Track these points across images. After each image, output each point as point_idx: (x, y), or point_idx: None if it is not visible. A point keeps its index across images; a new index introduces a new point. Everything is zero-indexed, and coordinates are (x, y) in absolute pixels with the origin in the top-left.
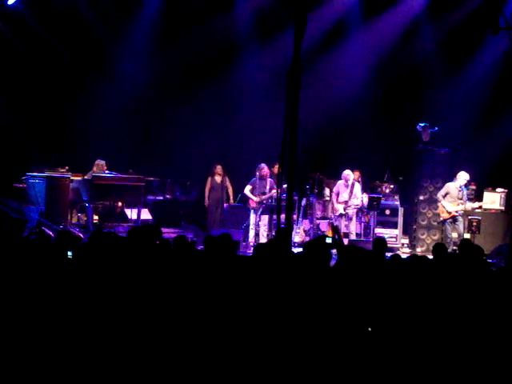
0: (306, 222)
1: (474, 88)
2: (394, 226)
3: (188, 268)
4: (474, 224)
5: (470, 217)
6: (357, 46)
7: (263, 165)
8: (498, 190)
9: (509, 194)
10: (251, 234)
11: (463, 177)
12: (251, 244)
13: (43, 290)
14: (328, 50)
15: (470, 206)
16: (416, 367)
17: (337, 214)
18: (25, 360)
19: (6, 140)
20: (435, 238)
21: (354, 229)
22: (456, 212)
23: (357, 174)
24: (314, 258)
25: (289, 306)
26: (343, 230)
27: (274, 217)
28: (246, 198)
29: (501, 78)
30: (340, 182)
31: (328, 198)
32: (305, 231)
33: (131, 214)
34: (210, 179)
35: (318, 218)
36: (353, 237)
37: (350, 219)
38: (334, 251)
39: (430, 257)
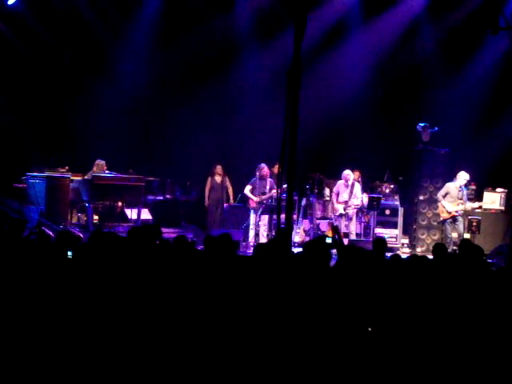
0: (306, 221)
1: (473, 88)
2: (394, 226)
3: (188, 268)
4: (474, 224)
5: (469, 217)
6: (357, 46)
7: (263, 165)
8: (498, 189)
9: (509, 194)
10: (251, 234)
11: (463, 177)
12: (251, 244)
13: (43, 290)
14: (328, 50)
15: (469, 206)
16: (416, 367)
17: (337, 214)
18: (25, 359)
19: (6, 140)
20: (435, 237)
21: (354, 229)
22: (456, 212)
23: (357, 173)
24: (314, 258)
25: (289, 306)
26: (343, 229)
27: (274, 217)
28: (245, 198)
29: (501, 77)
30: (340, 182)
31: (328, 198)
32: (305, 231)
33: (131, 213)
34: (210, 179)
35: (318, 218)
36: (353, 237)
37: (350, 219)
38: (334, 251)
39: (430, 257)
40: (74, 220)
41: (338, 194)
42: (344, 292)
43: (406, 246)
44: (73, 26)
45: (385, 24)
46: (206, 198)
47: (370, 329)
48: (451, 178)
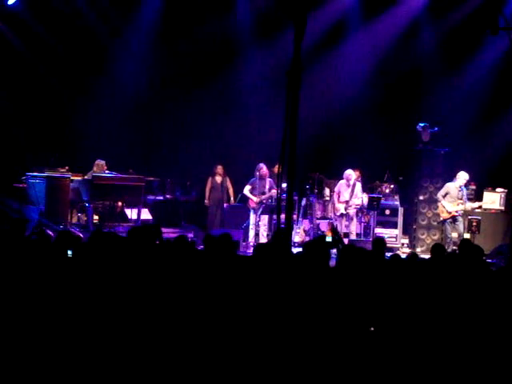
0: (306, 221)
1: (473, 88)
2: (394, 225)
3: (188, 268)
4: (474, 224)
5: (469, 217)
6: (357, 46)
7: (262, 165)
8: (498, 189)
9: (509, 194)
10: (251, 234)
11: (463, 177)
12: (251, 244)
13: (43, 290)
14: (328, 50)
15: (469, 205)
16: (416, 367)
17: (338, 214)
18: (25, 358)
19: (6, 140)
20: (435, 237)
21: (354, 229)
22: (456, 212)
23: (357, 173)
24: (314, 258)
25: (289, 306)
26: (343, 229)
27: (274, 217)
28: (245, 198)
29: (501, 77)
30: (341, 182)
31: (328, 198)
32: (305, 231)
33: (131, 213)
34: (210, 179)
35: (318, 218)
36: (353, 237)
37: (351, 219)
38: (334, 251)
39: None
40: (74, 220)
41: (339, 194)
42: (344, 292)
43: (405, 245)
44: (73, 26)
45: (385, 24)
46: (206, 198)
47: (372, 328)
48: (451, 178)
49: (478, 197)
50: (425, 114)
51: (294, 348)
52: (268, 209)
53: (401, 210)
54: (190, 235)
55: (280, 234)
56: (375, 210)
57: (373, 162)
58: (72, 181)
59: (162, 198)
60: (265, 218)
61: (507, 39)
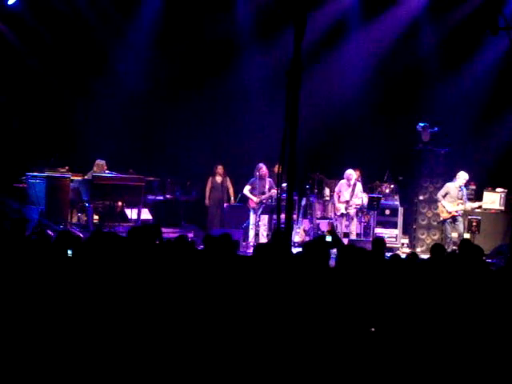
0: (306, 221)
1: (473, 88)
2: (394, 225)
3: (188, 268)
4: (474, 224)
5: (469, 217)
6: (357, 46)
7: (261, 164)
8: (498, 189)
9: (509, 194)
10: (251, 233)
11: (463, 177)
12: (251, 244)
13: (43, 290)
14: (328, 49)
15: (469, 205)
16: (416, 367)
17: (338, 214)
18: (25, 357)
19: (6, 140)
20: (435, 237)
21: (354, 229)
22: (456, 212)
23: (357, 173)
24: (314, 258)
25: (289, 306)
26: (343, 229)
27: (274, 217)
28: (245, 198)
29: (501, 78)
30: (342, 182)
31: (328, 198)
32: (305, 231)
33: (131, 213)
34: (210, 179)
35: (318, 218)
36: (353, 237)
37: (352, 219)
38: (334, 251)
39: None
40: (74, 220)
41: (339, 194)
42: (343, 292)
43: (405, 245)
44: (73, 26)
45: (385, 24)
46: (207, 198)
47: (372, 329)
48: (451, 178)
49: (477, 197)
50: (425, 114)
51: (294, 348)
52: (268, 209)
53: (401, 210)
54: (190, 235)
55: (279, 235)
56: (375, 209)
57: (373, 162)
58: (72, 181)
59: (162, 197)
60: (265, 218)
61: (507, 39)
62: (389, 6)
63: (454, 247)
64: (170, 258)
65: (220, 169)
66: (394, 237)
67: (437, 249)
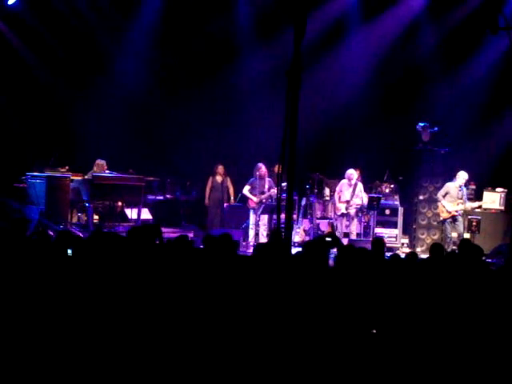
0: (306, 221)
1: (473, 88)
2: (394, 225)
3: (188, 268)
4: (474, 224)
5: (469, 216)
6: (357, 46)
7: (260, 164)
8: (498, 189)
9: (509, 194)
10: (251, 233)
11: (462, 176)
12: (251, 244)
13: (43, 290)
14: (328, 49)
15: (469, 205)
16: (416, 367)
17: (338, 214)
18: (25, 357)
19: (6, 140)
20: (435, 237)
21: (354, 229)
22: (456, 212)
23: (357, 173)
24: (314, 257)
25: (289, 306)
26: (344, 229)
27: (274, 216)
28: (245, 198)
29: (501, 78)
30: (343, 181)
31: (328, 198)
32: (305, 231)
33: (131, 213)
34: (211, 179)
35: (318, 218)
36: (353, 237)
37: (352, 219)
38: (334, 250)
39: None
40: (74, 220)
41: (340, 194)
42: (343, 292)
43: (405, 245)
44: (73, 26)
45: (385, 24)
46: (207, 198)
47: (374, 331)
48: (451, 177)
49: (477, 196)
50: (425, 114)
51: (293, 348)
52: (268, 208)
53: (401, 210)
54: (190, 235)
55: (276, 234)
56: (375, 209)
57: (373, 162)
58: (72, 181)
59: (162, 197)
60: (264, 218)
61: (507, 39)
62: (389, 6)
63: (454, 247)
64: (170, 258)
65: (220, 169)
66: (393, 237)
67: (436, 248)
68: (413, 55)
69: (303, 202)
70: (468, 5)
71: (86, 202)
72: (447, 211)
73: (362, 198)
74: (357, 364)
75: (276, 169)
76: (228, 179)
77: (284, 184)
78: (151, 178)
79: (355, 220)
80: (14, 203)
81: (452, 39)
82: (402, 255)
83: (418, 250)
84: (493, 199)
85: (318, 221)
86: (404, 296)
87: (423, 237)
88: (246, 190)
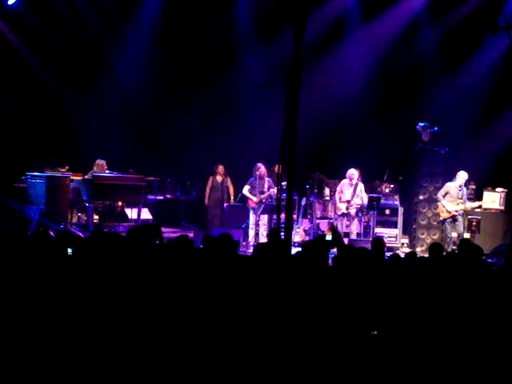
0: (306, 221)
1: (473, 88)
2: (394, 225)
3: (188, 267)
4: (474, 224)
5: (469, 216)
6: (357, 46)
7: (260, 164)
8: (498, 189)
9: (509, 194)
10: (251, 233)
11: (462, 176)
12: (251, 244)
13: (43, 290)
14: (328, 49)
15: (469, 205)
16: (416, 367)
17: (339, 214)
18: (25, 356)
19: (6, 140)
20: (435, 237)
21: (354, 229)
22: (456, 211)
23: (357, 172)
24: (313, 257)
25: (289, 306)
26: (344, 229)
27: (274, 216)
28: (245, 198)
29: (500, 78)
30: (344, 181)
31: (328, 198)
32: (305, 231)
33: (131, 213)
34: (211, 178)
35: (318, 218)
36: (353, 237)
37: (353, 219)
38: (334, 250)
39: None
40: (74, 220)
41: (341, 193)
42: (343, 292)
43: (405, 245)
44: (73, 26)
45: (385, 24)
46: (207, 198)
47: (375, 332)
48: (451, 177)
49: (477, 196)
50: (425, 114)
51: (293, 348)
52: (268, 208)
53: (401, 210)
54: (190, 235)
55: (275, 234)
56: (375, 209)
57: (373, 162)
58: (72, 181)
59: (162, 197)
60: (264, 218)
61: (507, 39)
62: (389, 6)
63: (454, 247)
64: (169, 257)
65: (221, 168)
66: (393, 236)
67: (435, 248)
68: (413, 55)
69: (303, 202)
70: (468, 5)
71: (86, 201)
72: (447, 211)
73: (362, 197)
74: (357, 364)
75: (276, 169)
76: (228, 179)
77: (284, 184)
78: (151, 178)
79: (355, 220)
80: (15, 203)
81: (452, 39)
82: (402, 255)
83: (418, 249)
84: (493, 199)
85: (317, 221)
86: (404, 296)
87: (423, 237)
88: (245, 189)
